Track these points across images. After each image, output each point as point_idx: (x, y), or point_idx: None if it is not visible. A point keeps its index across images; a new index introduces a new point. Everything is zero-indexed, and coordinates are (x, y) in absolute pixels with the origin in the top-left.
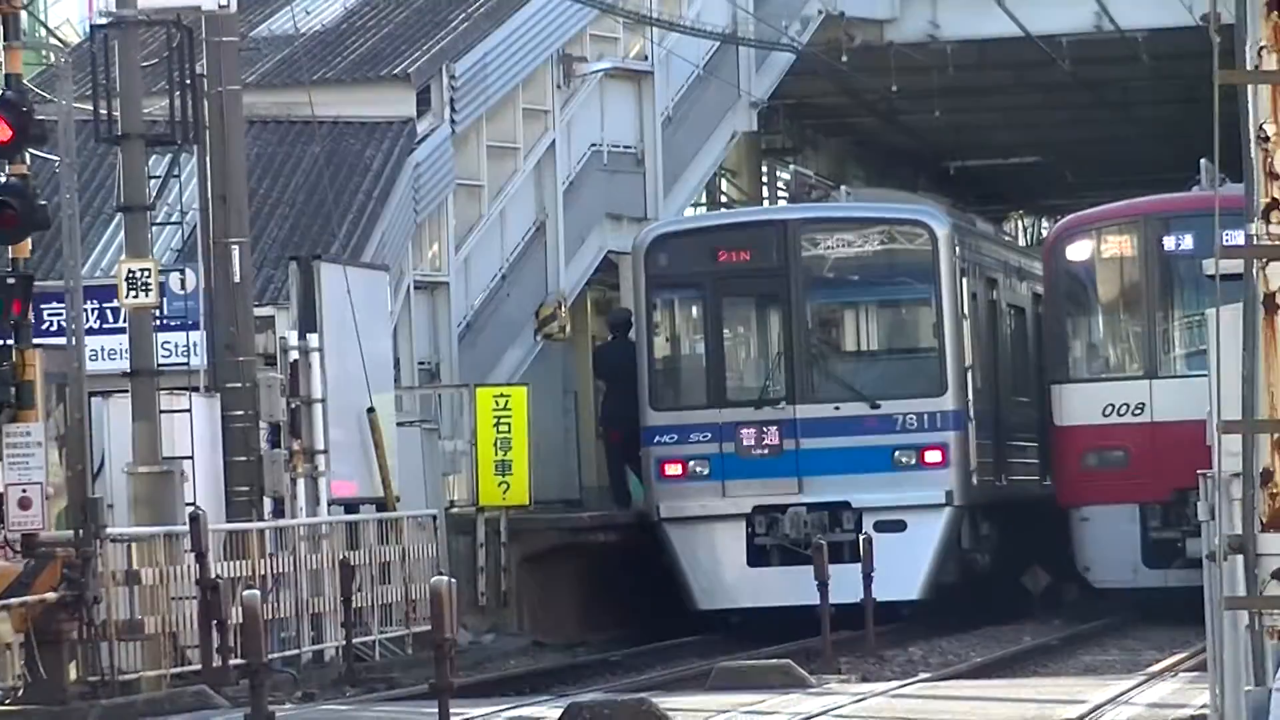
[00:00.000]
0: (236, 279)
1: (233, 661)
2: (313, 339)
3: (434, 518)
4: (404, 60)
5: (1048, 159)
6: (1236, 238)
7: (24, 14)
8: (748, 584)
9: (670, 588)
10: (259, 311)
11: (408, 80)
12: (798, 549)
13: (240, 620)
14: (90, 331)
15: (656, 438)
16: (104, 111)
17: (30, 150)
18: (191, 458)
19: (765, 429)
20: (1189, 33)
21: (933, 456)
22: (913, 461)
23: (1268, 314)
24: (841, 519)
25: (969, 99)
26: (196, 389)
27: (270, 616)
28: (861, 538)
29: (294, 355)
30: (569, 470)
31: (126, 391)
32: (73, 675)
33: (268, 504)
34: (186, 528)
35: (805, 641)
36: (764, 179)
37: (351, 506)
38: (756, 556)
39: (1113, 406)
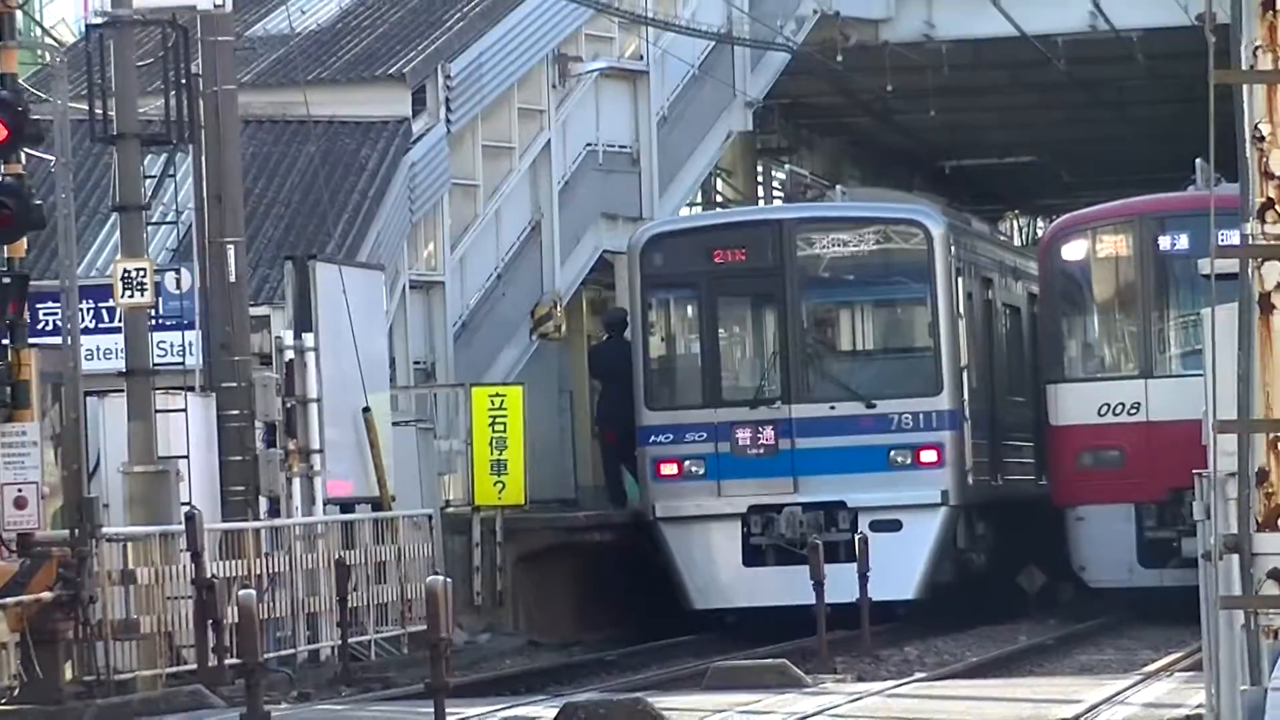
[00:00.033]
0: (232, 278)
1: (228, 661)
2: (308, 338)
3: (429, 517)
4: (399, 60)
5: (1043, 159)
6: (1232, 237)
7: (19, 14)
8: (743, 583)
9: (666, 587)
10: (254, 311)
11: (403, 80)
12: (793, 548)
13: (236, 620)
14: (86, 331)
15: (652, 437)
16: (99, 111)
17: (26, 150)
18: (187, 457)
19: (761, 429)
20: (1184, 32)
21: (928, 456)
22: (908, 461)
23: (1263, 313)
24: (837, 518)
25: (964, 99)
26: (192, 388)
27: (266, 616)
28: (857, 537)
29: (289, 355)
30: (564, 470)
31: (122, 391)
32: (68, 675)
33: (263, 503)
34: (182, 527)
35: (801, 641)
36: (759, 179)
37: (347, 506)
38: (752, 556)
39: (1108, 406)
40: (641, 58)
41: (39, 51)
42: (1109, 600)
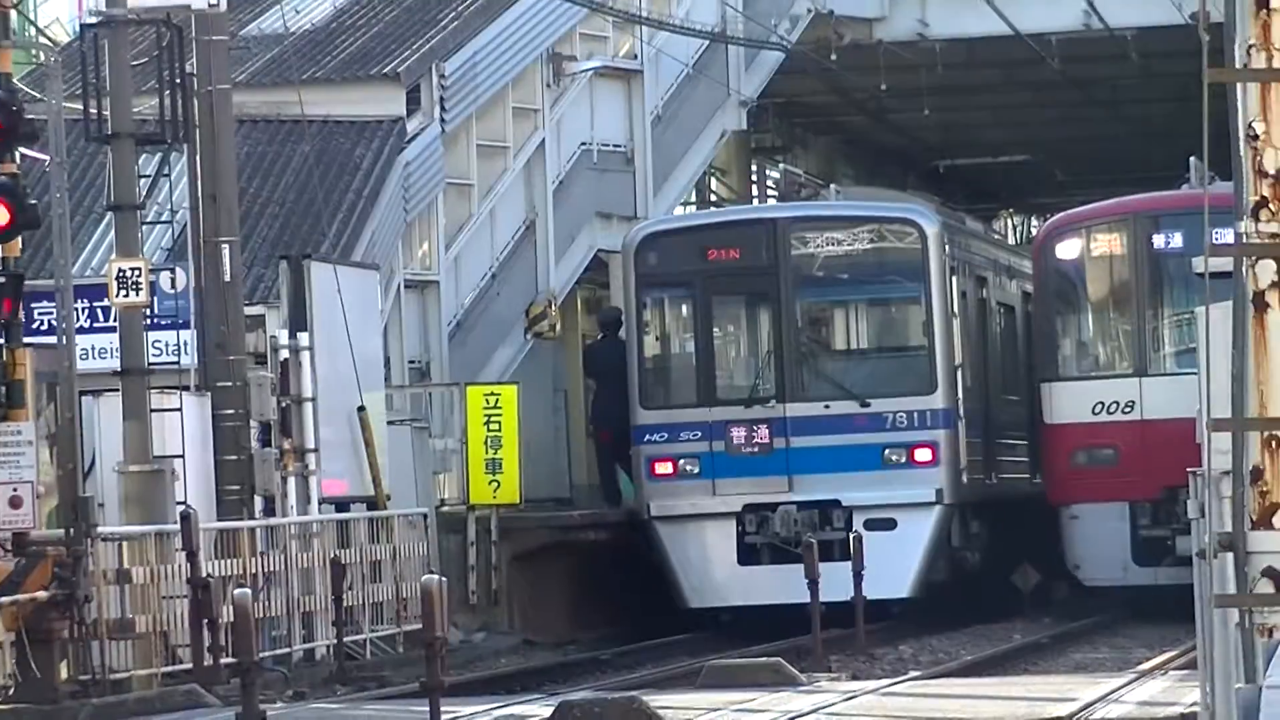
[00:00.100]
0: (227, 278)
1: (224, 660)
2: (303, 338)
3: (425, 516)
4: (394, 59)
5: (1037, 157)
6: (1226, 236)
7: (14, 13)
8: (738, 582)
9: (661, 586)
10: (249, 310)
11: (397, 79)
12: (788, 547)
13: (231, 619)
14: (81, 330)
15: (647, 436)
16: (94, 110)
17: (20, 149)
18: (182, 456)
19: (755, 427)
20: (1178, 31)
21: (923, 455)
22: (903, 460)
23: (1257, 312)
24: (831, 517)
25: (958, 97)
26: (187, 388)
27: (261, 615)
28: (851, 536)
29: (284, 354)
30: (559, 469)
31: (117, 390)
32: (64, 674)
33: (258, 503)
34: (177, 526)
35: (796, 640)
36: (753, 178)
37: (342, 505)
38: (747, 555)
39: (1102, 404)
40: (636, 57)
41: (34, 51)
42: (1103, 599)
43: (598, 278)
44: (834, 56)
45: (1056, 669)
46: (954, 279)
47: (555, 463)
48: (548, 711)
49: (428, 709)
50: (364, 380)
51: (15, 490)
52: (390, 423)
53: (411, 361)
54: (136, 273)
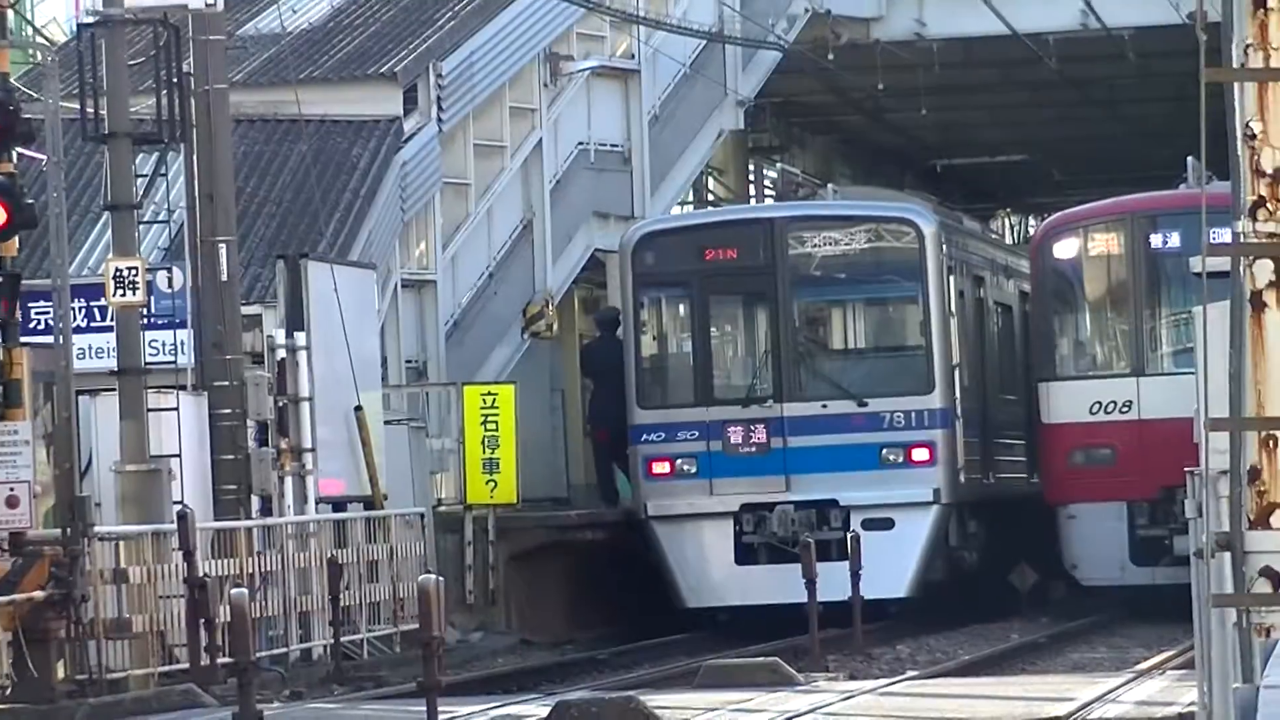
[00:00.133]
0: (224, 277)
1: (220, 660)
2: (300, 337)
3: (421, 516)
4: (391, 59)
5: (1034, 157)
6: (1223, 235)
7: (11, 13)
8: (735, 582)
9: (658, 586)
10: (246, 310)
11: (394, 79)
12: (785, 547)
13: (228, 619)
14: (77, 330)
15: (644, 436)
16: (91, 110)
17: (17, 149)
18: (179, 456)
19: (753, 427)
20: (1175, 31)
21: (920, 454)
22: (900, 459)
23: (1255, 311)
24: (829, 517)
25: (955, 97)
26: (184, 387)
27: (258, 615)
28: (849, 535)
29: (281, 354)
30: (556, 468)
31: (114, 390)
32: (60, 674)
33: (255, 502)
34: (174, 526)
35: (793, 639)
36: (751, 177)
37: (339, 505)
38: (744, 554)
39: (1100, 404)
40: (633, 56)
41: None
42: (1101, 598)
43: (595, 277)
44: (831, 56)
45: (1054, 669)
46: (951, 279)
47: (552, 462)
48: (545, 711)
49: (425, 709)
50: (361, 380)
51: (12, 490)
52: (387, 422)
53: (408, 361)
54: (133, 272)
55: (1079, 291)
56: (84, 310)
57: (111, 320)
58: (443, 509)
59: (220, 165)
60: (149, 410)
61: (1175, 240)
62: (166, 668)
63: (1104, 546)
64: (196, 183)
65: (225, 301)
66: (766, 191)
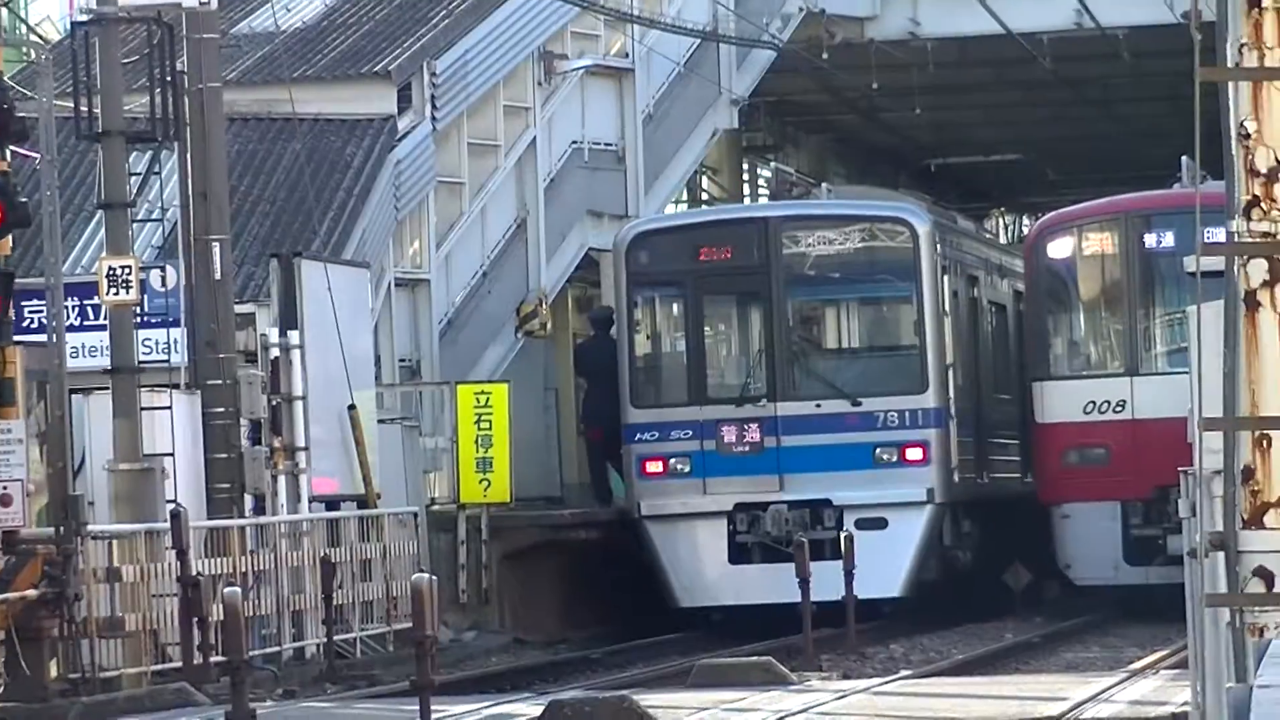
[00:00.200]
0: (217, 276)
1: (213, 659)
2: (294, 336)
3: (415, 515)
4: (385, 57)
5: (1029, 156)
6: (1218, 235)
7: (5, 11)
8: (729, 581)
9: (651, 585)
10: (240, 308)
11: (388, 77)
12: (779, 546)
13: (221, 617)
14: (71, 329)
15: (638, 435)
16: (85, 108)
17: (11, 147)
18: (172, 455)
19: (746, 426)
20: (1170, 30)
21: (914, 454)
22: (894, 459)
23: (1249, 311)
24: (823, 516)
25: (950, 96)
26: (177, 386)
27: (251, 614)
28: (843, 535)
29: (275, 352)
30: (550, 467)
31: (107, 389)
32: (53, 672)
33: (249, 501)
34: (167, 525)
35: (786, 639)
36: (745, 176)
37: (332, 504)
38: (738, 554)
39: (1094, 404)
40: (627, 55)
41: (24, 49)
42: (1094, 598)
43: (589, 276)
44: (825, 55)
45: (1048, 668)
46: (945, 278)
47: (546, 461)
48: (538, 710)
49: (418, 708)
50: (354, 378)
51: (5, 488)
52: (381, 421)
53: (402, 360)
54: (127, 271)
55: (1073, 291)
56: (77, 309)
57: (105, 319)
58: (436, 508)
59: (214, 164)
60: (142, 409)
61: (1169, 240)
62: (159, 666)
63: (1098, 546)
64: (190, 181)
65: (219, 300)
66: (760, 191)
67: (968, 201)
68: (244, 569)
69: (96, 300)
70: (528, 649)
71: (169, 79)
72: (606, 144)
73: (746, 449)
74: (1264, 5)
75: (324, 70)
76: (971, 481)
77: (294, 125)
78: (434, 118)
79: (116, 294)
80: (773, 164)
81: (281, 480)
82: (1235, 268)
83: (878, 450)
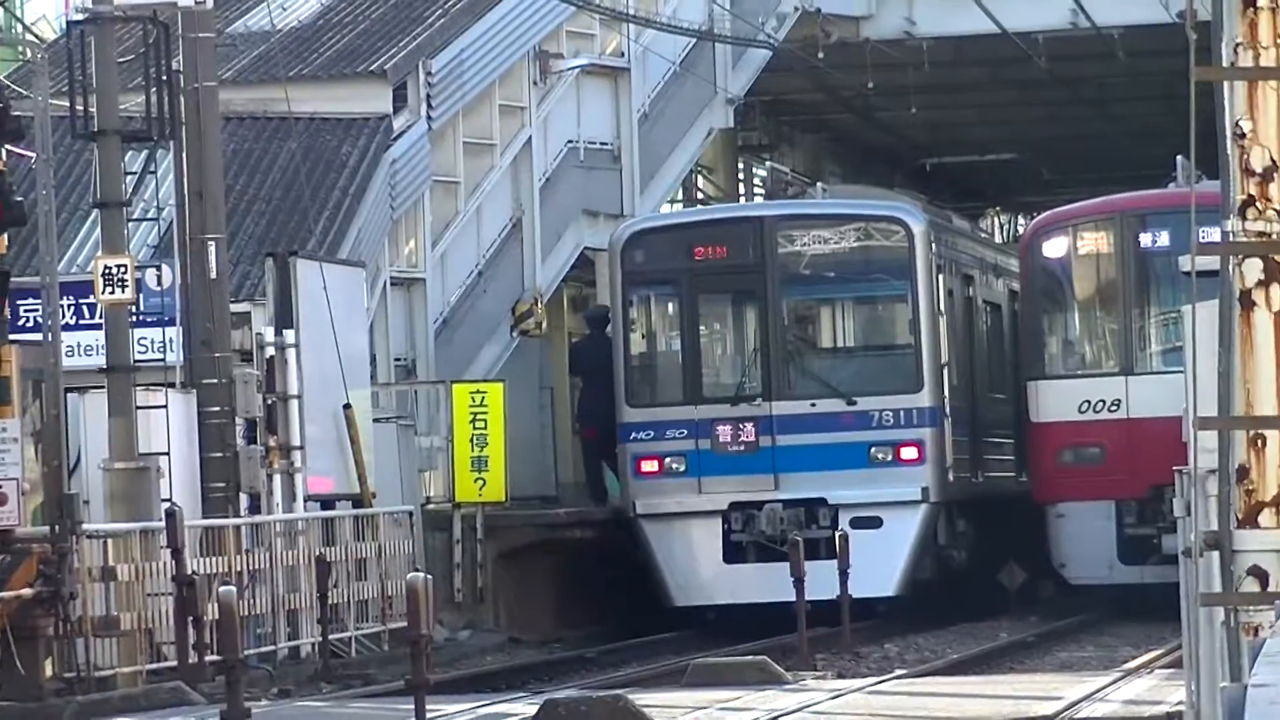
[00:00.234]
0: (213, 275)
1: (209, 658)
2: (289, 335)
3: (410, 514)
4: (380, 56)
5: (1024, 156)
6: (1213, 234)
7: (1, 11)
8: (724, 580)
9: (646, 584)
10: (235, 308)
11: (384, 76)
12: (774, 545)
13: (216, 616)
14: (66, 327)
15: (633, 434)
16: (80, 107)
17: (6, 146)
18: (168, 454)
19: (741, 425)
20: (1165, 30)
21: (909, 453)
22: (889, 458)
23: (1244, 310)
24: (818, 515)
25: (945, 96)
26: (173, 385)
27: (246, 613)
28: (837, 534)
29: (270, 351)
30: (545, 466)
31: (103, 387)
32: (48, 671)
33: (244, 500)
34: (163, 524)
35: (781, 638)
36: (740, 175)
37: (328, 503)
38: (733, 553)
39: (1089, 403)
40: (623, 55)
41: (20, 48)
42: (1089, 597)
43: (584, 275)
44: (821, 54)
45: (1042, 667)
46: (940, 277)
47: (541, 461)
48: (533, 710)
49: (413, 707)
50: (350, 378)
51: (0, 487)
52: (376, 420)
53: (397, 359)
54: (122, 270)
55: (1068, 290)
56: (73, 308)
57: (100, 318)
58: (431, 507)
59: (209, 163)
60: (137, 408)
61: (1164, 239)
62: (154, 665)
63: (1092, 545)
64: (186, 180)
65: (214, 299)
66: (756, 190)
67: (963, 201)
68: (239, 568)
69: (92, 299)
70: (523, 648)
71: (164, 78)
72: (602, 143)
73: (741, 448)
74: (1259, 5)
75: (319, 69)
76: (966, 481)
77: (289, 124)
78: (429, 117)
79: (112, 293)
80: (768, 163)
81: (277, 479)
82: (1230, 267)
83: (873, 449)
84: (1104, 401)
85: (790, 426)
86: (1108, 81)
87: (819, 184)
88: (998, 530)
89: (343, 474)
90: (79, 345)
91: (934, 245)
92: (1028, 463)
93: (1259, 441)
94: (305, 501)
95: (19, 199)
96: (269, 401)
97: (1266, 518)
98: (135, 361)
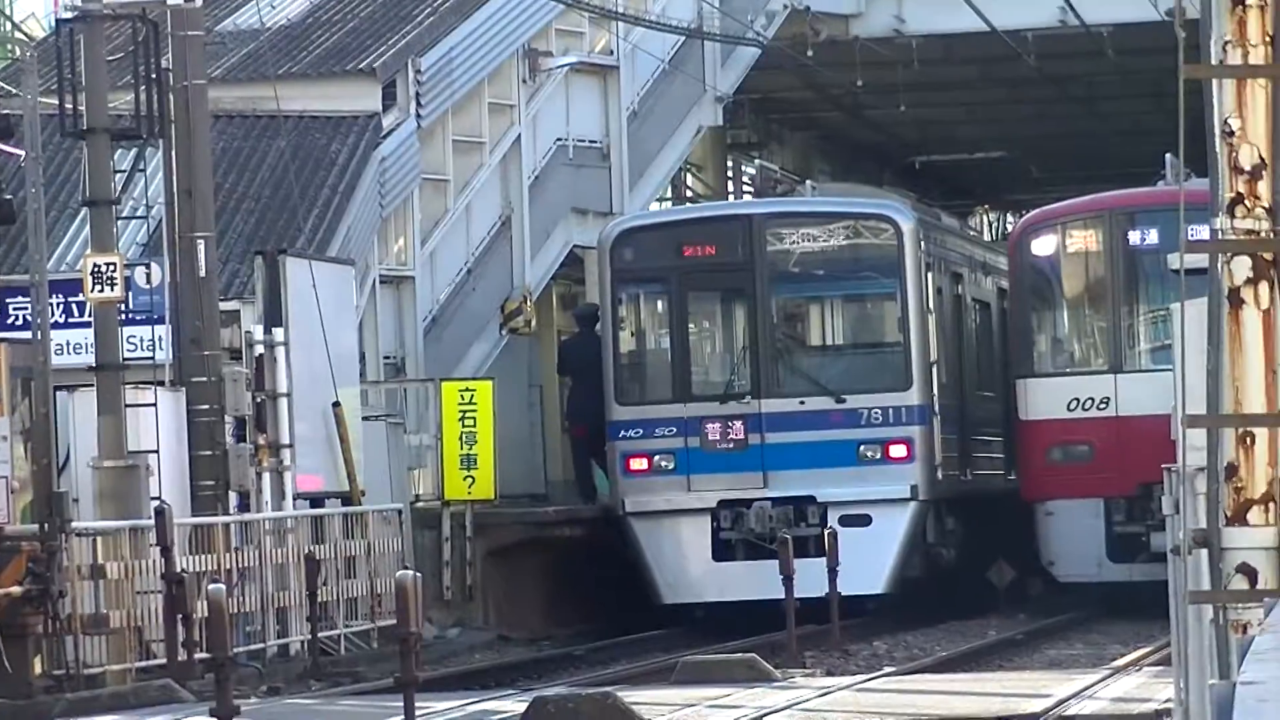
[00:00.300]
0: (202, 273)
1: (198, 655)
2: (278, 333)
3: (399, 512)
4: (369, 54)
5: (1013, 154)
6: (1201, 232)
7: None
8: (713, 578)
9: (635, 582)
10: (224, 306)
11: (373, 75)
12: (763, 543)
13: (205, 614)
14: (55, 326)
15: (622, 432)
16: (69, 106)
17: None
18: (157, 452)
19: (730, 423)
20: (1154, 28)
21: (898, 451)
22: (878, 456)
23: (1232, 308)
24: (806, 513)
25: (934, 94)
26: (162, 383)
27: (235, 610)
28: (826, 532)
29: (259, 349)
30: (534, 464)
31: (92, 385)
32: (38, 669)
33: (233, 498)
34: (152, 522)
35: (770, 635)
36: (729, 173)
37: (317, 501)
38: (722, 551)
39: (1077, 401)
40: (612, 53)
41: (9, 46)
42: (1078, 595)
43: (573, 273)
44: (810, 52)
45: (1031, 665)
46: (929, 275)
47: (530, 458)
48: (522, 707)
49: (402, 704)
50: (339, 376)
51: None
52: (365, 418)
53: (387, 357)
54: (111, 268)
55: (1057, 288)
56: (62, 306)
57: (89, 316)
58: (420, 505)
59: (199, 161)
60: (127, 406)
61: (1153, 237)
62: (144, 663)
63: (1081, 543)
64: (175, 178)
65: (203, 297)
66: (745, 188)
67: (952, 199)
68: (228, 566)
69: (81, 297)
70: (512, 646)
71: (154, 76)
72: (591, 141)
73: (730, 446)
74: (1248, 2)
75: (309, 67)
76: (955, 478)
77: (279, 122)
78: (419, 115)
79: (101, 291)
80: (757, 161)
81: (266, 477)
82: (1219, 265)
83: (861, 447)
84: (1093, 399)
85: (779, 424)
86: (1097, 79)
87: (808, 182)
88: (986, 528)
89: (332, 472)
90: (68, 343)
91: (923, 243)
92: (1016, 460)
93: (1248, 439)
94: (294, 499)
95: (8, 197)
96: (258, 399)
97: (1255, 515)
98: (124, 360)
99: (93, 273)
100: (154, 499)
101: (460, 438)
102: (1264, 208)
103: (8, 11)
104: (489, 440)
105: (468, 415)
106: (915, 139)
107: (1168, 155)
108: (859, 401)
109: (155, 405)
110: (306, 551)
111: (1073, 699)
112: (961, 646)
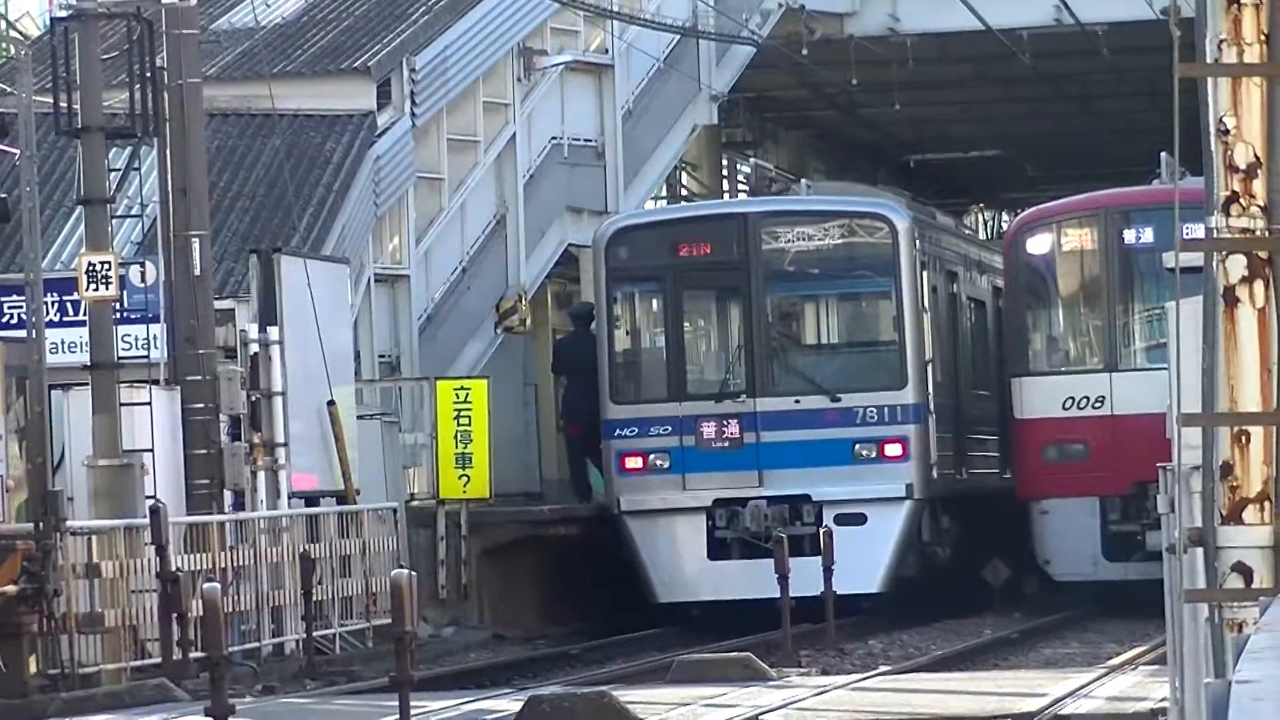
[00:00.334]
0: (197, 272)
1: (193, 654)
2: (273, 332)
3: (394, 511)
4: (364, 53)
5: (1008, 152)
6: (1196, 231)
7: None
8: (708, 577)
9: (630, 581)
10: (219, 304)
11: (368, 73)
12: (758, 542)
13: (200, 613)
14: (50, 324)
15: (617, 431)
16: (64, 104)
17: None
18: (152, 451)
19: (726, 422)
20: (1149, 26)
21: (893, 450)
22: (873, 454)
23: (1228, 307)
24: (802, 512)
25: (929, 92)
26: (157, 382)
27: (230, 609)
28: (822, 531)
29: (254, 348)
30: (529, 463)
31: (87, 384)
32: (32, 668)
33: (228, 497)
34: (147, 521)
35: (765, 634)
36: (724, 172)
37: (312, 499)
38: (717, 549)
39: (1073, 399)
40: (606, 51)
41: (3, 44)
42: (1073, 594)
43: (568, 272)
44: (805, 51)
45: (1026, 664)
46: (925, 274)
47: (525, 457)
48: (517, 706)
49: (397, 703)
50: (334, 374)
51: None
52: (360, 417)
53: (381, 356)
54: (106, 267)
55: (1052, 287)
56: (57, 305)
57: (84, 315)
58: (415, 504)
59: (193, 160)
60: (121, 405)
61: (1148, 235)
62: (139, 662)
63: (1076, 542)
64: (170, 177)
65: (198, 296)
66: (740, 186)
67: (947, 197)
68: (223, 565)
69: (76, 296)
70: (507, 645)
71: (148, 75)
72: (586, 140)
73: (726, 444)
74: (1242, 1)
75: (304, 66)
76: (950, 477)
77: (274, 121)
78: (413, 114)
79: (96, 290)
80: (752, 160)
81: (261, 476)
82: (1214, 264)
83: (857, 446)
84: (1088, 398)
85: (774, 423)
86: (1092, 78)
87: (803, 180)
88: (982, 527)
89: (327, 471)
90: (63, 342)
91: (918, 242)
92: (1012, 459)
93: (1243, 438)
94: (289, 498)
95: (3, 196)
96: (253, 398)
97: (1250, 514)
98: (119, 358)
99: (87, 271)
100: (149, 498)
101: (455, 436)
102: (1259, 206)
103: (2, 10)
104: (484, 439)
105: (463, 414)
106: (910, 137)
107: (1163, 154)
108: (854, 400)
109: (150, 404)
110: (301, 550)
111: (1068, 698)
112: (957, 645)
